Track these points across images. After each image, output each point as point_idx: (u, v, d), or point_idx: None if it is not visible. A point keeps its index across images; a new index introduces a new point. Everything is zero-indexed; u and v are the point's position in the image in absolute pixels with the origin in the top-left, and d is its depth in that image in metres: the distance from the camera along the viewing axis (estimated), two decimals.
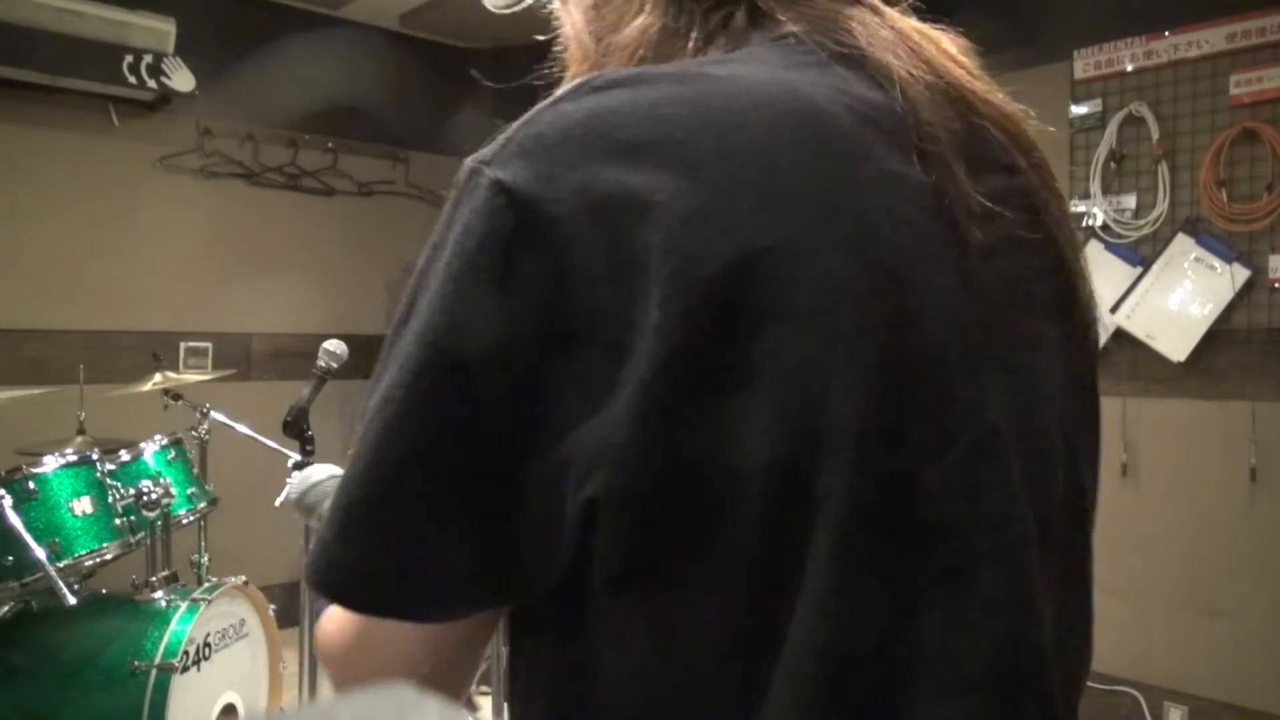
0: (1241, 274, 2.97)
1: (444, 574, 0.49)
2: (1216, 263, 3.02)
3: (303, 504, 1.04)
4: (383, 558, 0.49)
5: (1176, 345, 3.09)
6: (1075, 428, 0.58)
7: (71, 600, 2.26)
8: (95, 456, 2.60)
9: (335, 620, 0.59)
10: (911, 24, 0.57)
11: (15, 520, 2.30)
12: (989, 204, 0.53)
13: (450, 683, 0.56)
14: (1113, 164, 3.23)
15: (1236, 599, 2.96)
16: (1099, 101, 3.27)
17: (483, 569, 0.49)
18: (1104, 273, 3.26)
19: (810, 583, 0.46)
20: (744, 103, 0.49)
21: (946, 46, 0.57)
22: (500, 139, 0.49)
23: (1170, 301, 3.12)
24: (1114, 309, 3.21)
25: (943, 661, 0.48)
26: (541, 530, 0.47)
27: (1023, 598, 0.51)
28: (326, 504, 0.95)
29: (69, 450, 2.64)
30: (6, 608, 2.50)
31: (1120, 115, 3.21)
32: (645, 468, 0.44)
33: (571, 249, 0.45)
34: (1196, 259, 3.06)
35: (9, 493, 2.33)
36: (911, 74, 0.53)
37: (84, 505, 2.51)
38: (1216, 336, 3.04)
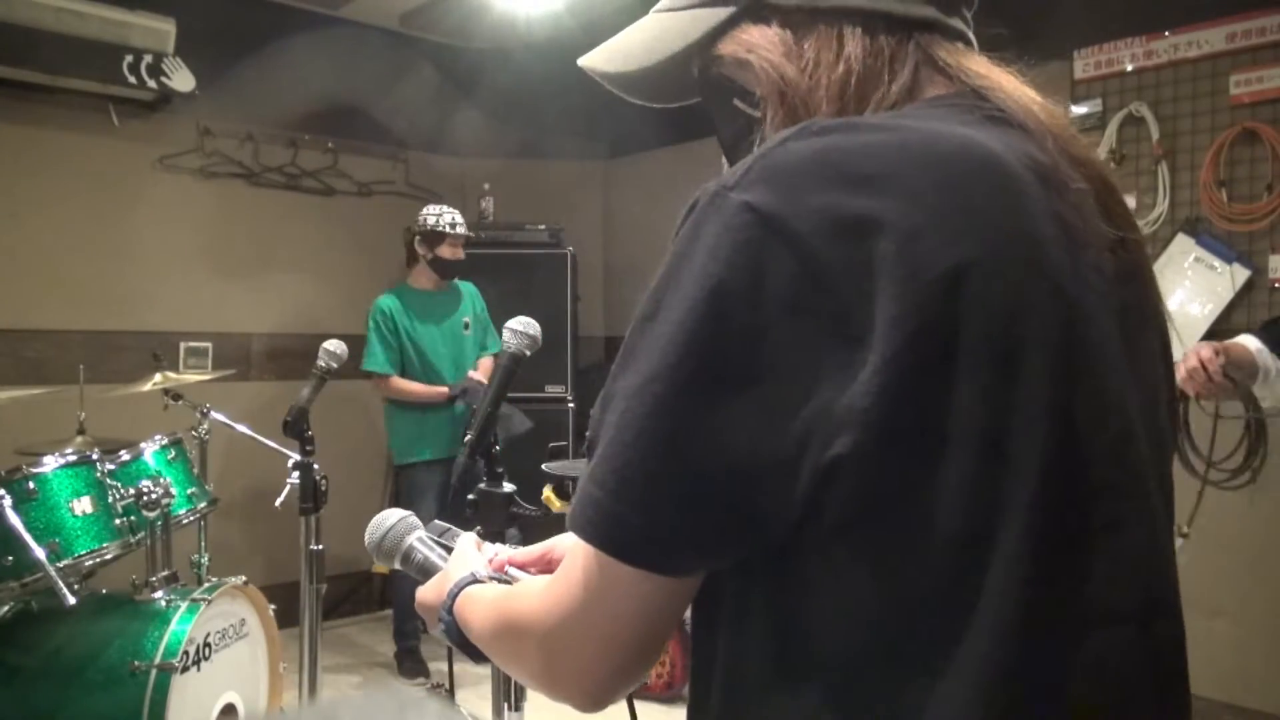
0: (1241, 274, 2.97)
1: (700, 528, 0.59)
2: (1216, 263, 3.03)
3: (381, 549, 1.07)
4: (651, 513, 0.59)
5: (1176, 345, 3.09)
6: (1169, 429, 0.72)
7: (71, 600, 2.26)
8: (95, 456, 2.60)
9: (533, 598, 0.71)
10: (1029, 92, 0.70)
11: (15, 520, 2.30)
12: (1113, 238, 0.65)
13: (653, 646, 0.65)
14: (1113, 164, 3.23)
15: (1235, 599, 2.96)
16: (1099, 101, 3.27)
17: (734, 524, 0.59)
18: None
19: (1008, 527, 0.56)
20: (941, 147, 0.61)
21: (1050, 105, 0.71)
22: (738, 169, 0.60)
23: (1170, 301, 3.12)
24: None
25: (1104, 597, 0.60)
26: (785, 485, 0.57)
27: (1159, 549, 0.64)
28: (406, 543, 1.05)
29: (69, 450, 2.64)
30: (6, 608, 2.50)
31: (1120, 115, 3.21)
32: (885, 429, 0.55)
33: (817, 257, 0.56)
34: (1196, 259, 3.07)
35: (9, 493, 2.33)
36: (1046, 133, 0.66)
37: (84, 505, 2.51)
38: (1216, 336, 3.03)
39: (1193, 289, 3.08)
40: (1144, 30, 3.17)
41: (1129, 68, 3.21)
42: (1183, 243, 3.10)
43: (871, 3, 0.69)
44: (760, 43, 0.71)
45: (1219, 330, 3.03)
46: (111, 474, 2.63)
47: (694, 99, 0.81)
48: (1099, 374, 0.61)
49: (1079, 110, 3.28)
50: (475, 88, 4.83)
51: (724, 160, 0.80)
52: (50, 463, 2.50)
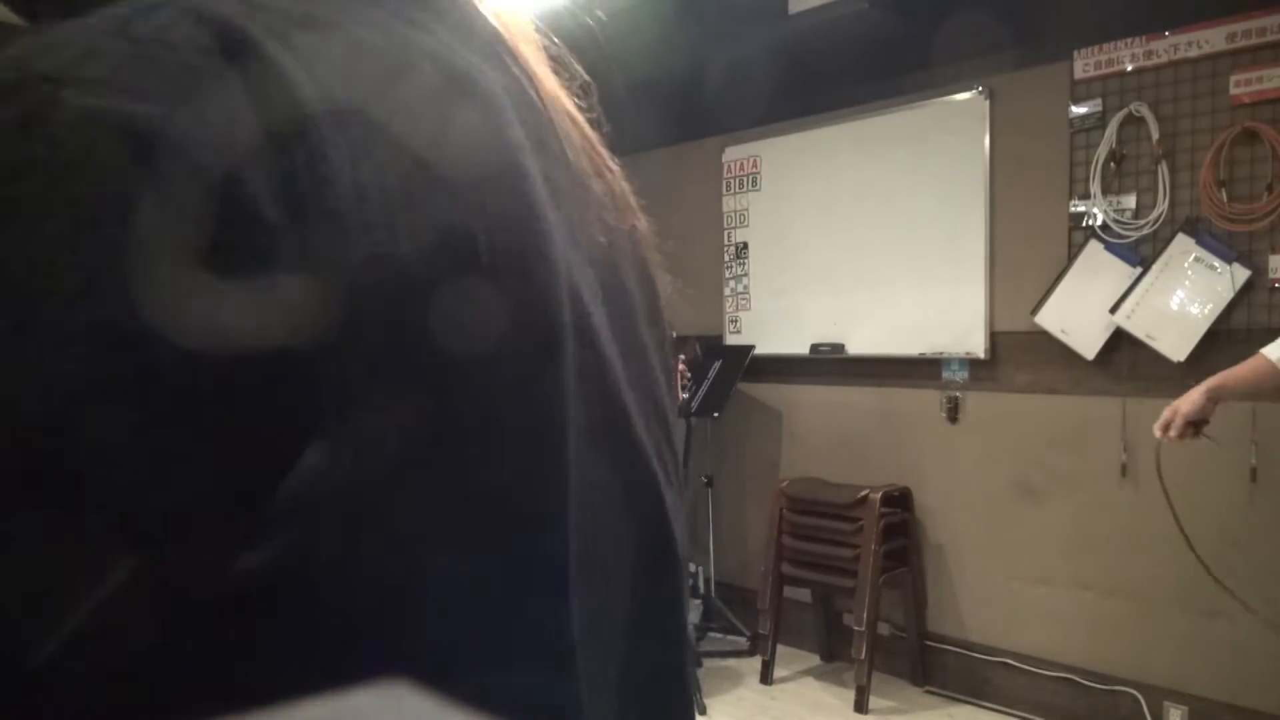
0: (1241, 274, 2.97)
1: None
2: (1216, 263, 3.03)
3: None
4: None
5: (1176, 345, 3.09)
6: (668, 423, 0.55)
7: None
8: None
9: None
10: None
11: None
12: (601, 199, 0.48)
13: None
14: (1113, 164, 3.23)
15: (1234, 598, 2.96)
16: (1099, 101, 3.27)
17: None
18: (1104, 273, 3.26)
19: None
20: (402, 63, 0.38)
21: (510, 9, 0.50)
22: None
23: (1170, 301, 3.12)
24: (1114, 309, 3.21)
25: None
26: None
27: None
28: None
29: None
30: None
31: (1120, 115, 3.21)
32: None
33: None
34: (1196, 259, 3.07)
35: None
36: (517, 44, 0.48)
37: None
38: (1216, 336, 3.04)
39: (1193, 289, 3.08)
40: (1144, 30, 3.17)
41: (1129, 68, 3.21)
42: (1183, 243, 3.10)
43: None
44: None
45: (1219, 330, 3.03)
46: None
47: None
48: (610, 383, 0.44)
49: (1079, 110, 3.29)
50: None
51: None
52: None
